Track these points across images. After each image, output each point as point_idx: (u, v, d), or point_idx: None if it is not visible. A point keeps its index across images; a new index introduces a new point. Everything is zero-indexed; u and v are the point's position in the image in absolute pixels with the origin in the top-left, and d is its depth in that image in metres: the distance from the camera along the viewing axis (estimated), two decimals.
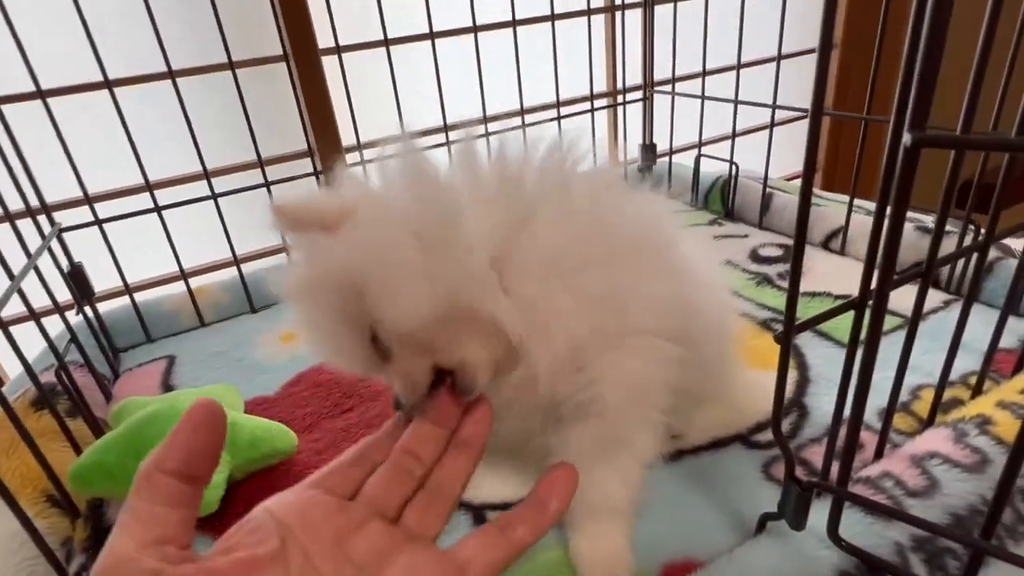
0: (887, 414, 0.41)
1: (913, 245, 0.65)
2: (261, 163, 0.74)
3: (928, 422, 0.45)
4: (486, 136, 0.61)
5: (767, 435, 0.48)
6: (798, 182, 0.78)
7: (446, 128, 0.79)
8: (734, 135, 0.84)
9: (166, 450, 0.26)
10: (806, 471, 0.44)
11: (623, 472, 0.39)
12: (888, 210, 0.27)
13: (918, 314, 0.37)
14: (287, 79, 0.77)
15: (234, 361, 0.66)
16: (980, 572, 0.32)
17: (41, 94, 0.63)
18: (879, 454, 0.42)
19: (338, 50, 0.79)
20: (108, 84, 0.66)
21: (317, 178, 0.76)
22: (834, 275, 0.69)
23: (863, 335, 0.30)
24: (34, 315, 0.51)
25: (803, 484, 0.33)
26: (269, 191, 0.74)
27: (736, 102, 0.81)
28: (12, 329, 0.45)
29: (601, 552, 0.38)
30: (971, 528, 0.35)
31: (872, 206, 0.78)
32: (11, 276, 0.48)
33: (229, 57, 0.70)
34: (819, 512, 0.35)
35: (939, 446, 0.40)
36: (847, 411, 0.32)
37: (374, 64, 0.82)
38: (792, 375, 0.54)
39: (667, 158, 0.97)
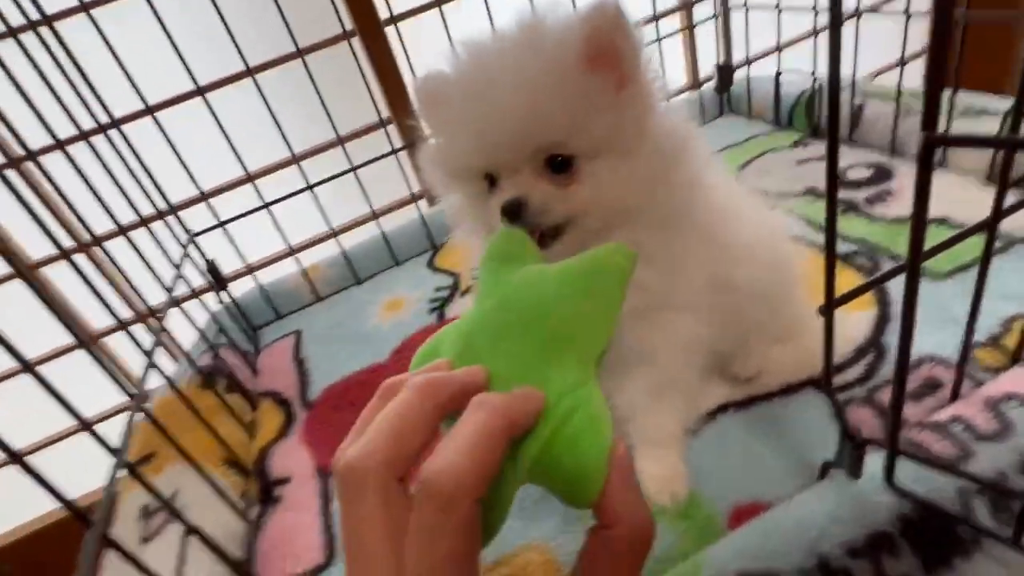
0: (963, 352, 0.40)
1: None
2: (343, 144, 0.80)
3: (1015, 359, 0.44)
4: None
5: (840, 378, 0.49)
6: (891, 84, 0.72)
7: None
8: (815, 46, 0.78)
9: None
10: (878, 413, 0.45)
11: (673, 407, 0.45)
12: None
13: (990, 247, 0.35)
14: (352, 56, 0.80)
15: (350, 332, 0.75)
16: None
17: (149, 109, 0.72)
18: (955, 396, 0.42)
19: (393, 20, 0.81)
20: (200, 91, 0.74)
21: (396, 156, 0.82)
22: (932, 195, 0.64)
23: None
24: (183, 309, 0.62)
25: (856, 439, 0.35)
26: (356, 175, 0.81)
27: (815, 10, 0.74)
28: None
29: (661, 470, 0.45)
30: None
31: (989, 102, 0.69)
32: (166, 289, 0.59)
33: (296, 45, 0.75)
34: (881, 457, 0.37)
35: (1018, 386, 0.39)
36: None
37: (431, 27, 0.82)
38: (873, 312, 0.54)
39: (745, 76, 0.92)
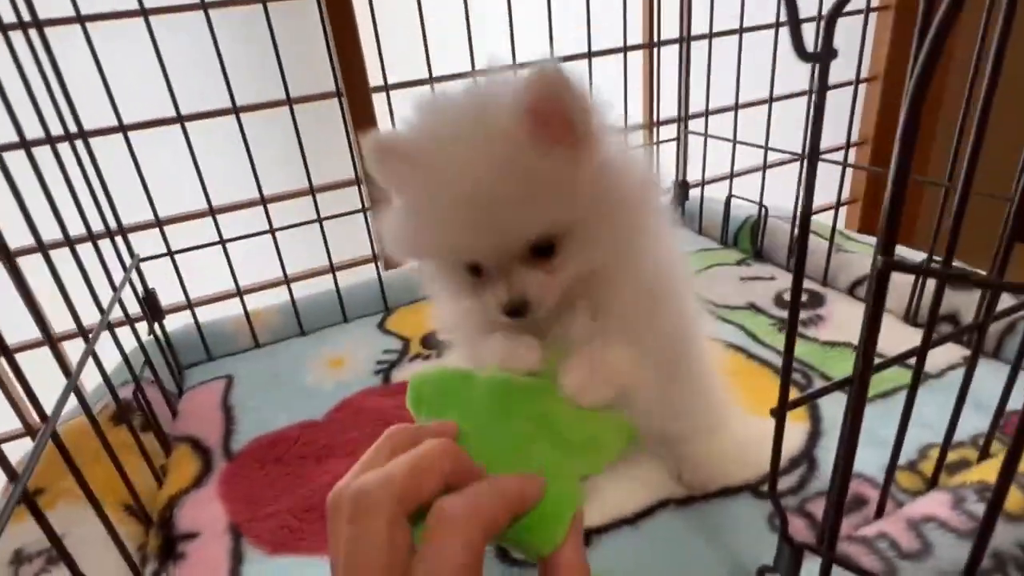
0: (887, 474, 0.43)
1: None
2: (314, 193, 0.80)
3: (932, 483, 0.47)
4: None
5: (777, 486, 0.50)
6: (825, 222, 0.80)
7: None
8: (764, 179, 0.86)
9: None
10: (809, 524, 0.47)
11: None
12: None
13: (919, 373, 0.39)
14: (338, 111, 0.82)
15: (287, 385, 0.72)
16: None
17: (122, 127, 0.70)
18: (879, 513, 0.44)
19: (386, 88, 0.84)
20: (180, 119, 0.73)
21: (365, 214, 0.82)
22: (856, 324, 0.70)
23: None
24: (114, 334, 0.58)
25: (794, 544, 0.36)
26: (321, 225, 0.80)
27: (766, 148, 0.83)
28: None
29: None
30: None
31: (900, 251, 0.78)
32: (101, 310, 0.55)
33: (288, 94, 0.76)
34: (816, 565, 0.38)
35: (937, 510, 0.42)
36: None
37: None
38: (804, 427, 0.57)
39: (699, 195, 1.00)
